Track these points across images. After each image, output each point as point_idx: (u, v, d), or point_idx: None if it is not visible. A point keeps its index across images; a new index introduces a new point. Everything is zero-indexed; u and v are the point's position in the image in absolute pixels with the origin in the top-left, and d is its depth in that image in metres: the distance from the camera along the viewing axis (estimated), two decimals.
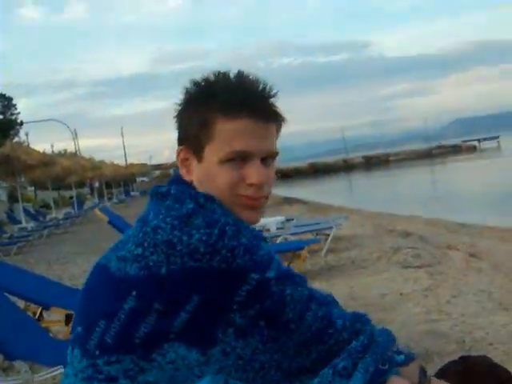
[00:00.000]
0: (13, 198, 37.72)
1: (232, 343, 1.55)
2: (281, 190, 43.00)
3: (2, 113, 79.74)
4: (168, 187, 1.71)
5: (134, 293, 1.54)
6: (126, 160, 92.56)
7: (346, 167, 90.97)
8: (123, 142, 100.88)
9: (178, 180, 1.76)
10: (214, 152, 1.65)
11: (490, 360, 1.92)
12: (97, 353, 1.55)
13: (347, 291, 7.05)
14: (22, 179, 34.29)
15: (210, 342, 1.54)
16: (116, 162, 68.74)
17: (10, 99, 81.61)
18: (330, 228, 10.70)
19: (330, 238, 10.41)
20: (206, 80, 1.70)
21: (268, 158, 1.71)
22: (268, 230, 11.71)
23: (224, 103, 1.64)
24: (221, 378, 1.54)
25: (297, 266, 8.26)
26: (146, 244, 1.56)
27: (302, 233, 11.04)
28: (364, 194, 31.56)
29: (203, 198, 1.62)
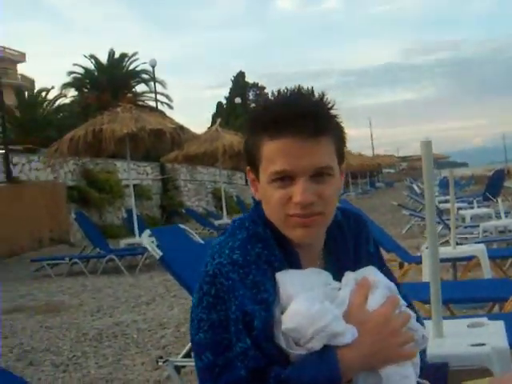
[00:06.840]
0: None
1: None
2: None
3: (255, 101, 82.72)
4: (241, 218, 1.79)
5: None
6: (372, 151, 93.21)
7: None
8: (371, 133, 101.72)
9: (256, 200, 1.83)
10: (263, 173, 1.69)
11: None
12: None
13: None
14: None
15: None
16: (363, 152, 68.49)
17: (262, 88, 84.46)
18: None
19: None
20: (265, 101, 1.78)
21: (323, 173, 1.65)
22: None
23: (267, 125, 1.65)
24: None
25: None
26: None
27: None
28: None
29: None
